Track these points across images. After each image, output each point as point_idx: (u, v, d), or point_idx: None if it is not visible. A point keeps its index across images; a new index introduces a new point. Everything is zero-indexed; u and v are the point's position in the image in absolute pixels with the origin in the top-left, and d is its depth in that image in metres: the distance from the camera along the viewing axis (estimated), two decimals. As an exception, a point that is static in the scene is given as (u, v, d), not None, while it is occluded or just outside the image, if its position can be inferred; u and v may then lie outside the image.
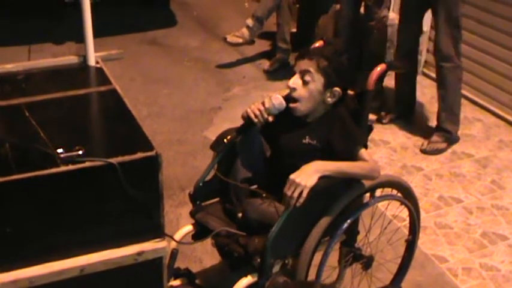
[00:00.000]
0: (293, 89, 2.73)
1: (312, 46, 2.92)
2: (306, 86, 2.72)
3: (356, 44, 5.23)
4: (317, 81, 2.72)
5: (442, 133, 4.77)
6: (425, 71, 5.89)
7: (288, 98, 2.75)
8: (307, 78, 2.71)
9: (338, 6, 5.75)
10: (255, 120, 2.73)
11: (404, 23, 4.86)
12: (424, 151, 4.74)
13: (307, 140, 2.76)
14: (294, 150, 2.77)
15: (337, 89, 2.74)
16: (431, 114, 5.10)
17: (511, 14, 4.96)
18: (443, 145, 4.76)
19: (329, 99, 2.76)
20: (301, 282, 2.64)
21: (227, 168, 2.82)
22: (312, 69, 2.71)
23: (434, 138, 4.77)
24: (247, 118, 2.76)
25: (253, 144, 2.85)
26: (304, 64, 2.73)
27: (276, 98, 2.74)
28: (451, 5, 4.49)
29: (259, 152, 2.88)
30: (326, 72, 2.71)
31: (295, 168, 2.57)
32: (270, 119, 2.77)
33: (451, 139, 4.80)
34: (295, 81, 2.74)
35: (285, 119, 2.79)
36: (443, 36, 4.56)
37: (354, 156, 2.69)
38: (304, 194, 2.51)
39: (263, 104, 2.74)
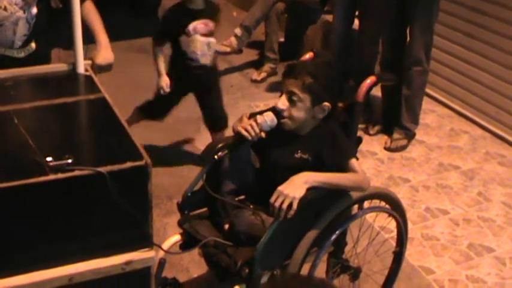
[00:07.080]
0: (282, 110, 2.73)
1: (302, 58, 2.92)
2: (294, 106, 2.72)
3: (346, 57, 5.20)
4: (304, 100, 2.71)
5: (403, 130, 4.99)
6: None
7: (279, 113, 2.75)
8: (294, 98, 2.71)
9: (326, 17, 5.75)
10: (249, 137, 2.73)
11: (387, 33, 4.89)
12: (388, 149, 4.94)
13: (299, 155, 2.76)
14: (286, 164, 2.76)
15: (326, 104, 2.74)
16: (420, 124, 5.12)
17: (497, 27, 5.00)
18: (404, 141, 4.99)
19: (319, 115, 2.76)
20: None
21: (215, 179, 2.81)
22: (297, 90, 2.69)
23: (396, 135, 4.98)
24: (239, 135, 2.75)
25: (241, 156, 2.84)
26: (290, 84, 2.72)
27: (267, 115, 2.74)
28: (428, 15, 4.65)
29: (248, 163, 2.87)
30: (312, 90, 2.69)
31: (286, 181, 2.57)
32: (263, 135, 2.77)
33: (410, 135, 5.03)
34: (283, 102, 2.73)
35: (276, 132, 2.78)
36: (417, 42, 4.74)
37: (344, 169, 2.69)
38: (295, 206, 2.51)
39: (255, 121, 2.74)
